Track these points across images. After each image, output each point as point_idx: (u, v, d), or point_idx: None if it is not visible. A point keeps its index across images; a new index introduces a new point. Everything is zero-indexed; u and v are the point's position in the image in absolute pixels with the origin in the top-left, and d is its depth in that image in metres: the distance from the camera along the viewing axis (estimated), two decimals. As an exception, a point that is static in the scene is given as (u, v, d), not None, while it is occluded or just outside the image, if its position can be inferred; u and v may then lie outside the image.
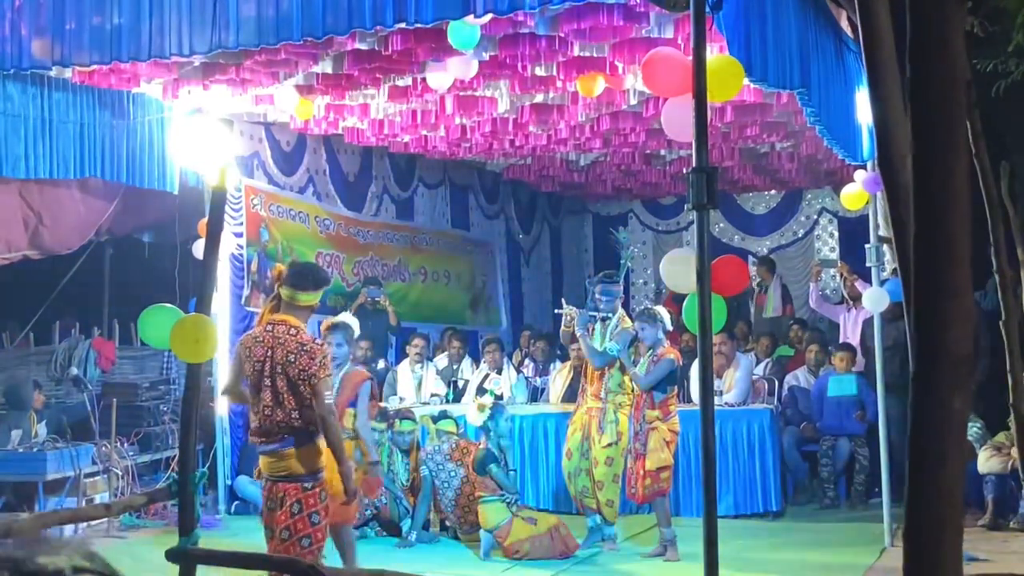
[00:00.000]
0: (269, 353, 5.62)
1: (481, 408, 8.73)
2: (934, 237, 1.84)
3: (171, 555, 4.18)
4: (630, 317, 8.83)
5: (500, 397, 10.32)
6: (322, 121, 10.49)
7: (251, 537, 8.55)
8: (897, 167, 2.55)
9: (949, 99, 1.84)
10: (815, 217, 15.99)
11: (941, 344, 1.84)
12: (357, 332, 7.97)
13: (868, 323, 10.14)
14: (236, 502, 10.27)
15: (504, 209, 15.43)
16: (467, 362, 11.53)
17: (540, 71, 9.02)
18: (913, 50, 1.85)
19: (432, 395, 10.95)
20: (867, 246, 8.72)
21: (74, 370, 10.73)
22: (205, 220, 5.58)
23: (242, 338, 5.98)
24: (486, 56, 8.54)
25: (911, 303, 2.00)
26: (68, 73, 8.61)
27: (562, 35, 8.06)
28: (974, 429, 9.39)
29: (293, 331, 5.65)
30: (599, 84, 8.86)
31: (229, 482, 10.38)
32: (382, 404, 10.31)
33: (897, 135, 2.61)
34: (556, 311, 9.07)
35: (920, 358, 1.88)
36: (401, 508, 9.19)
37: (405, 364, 11.33)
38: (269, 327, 5.71)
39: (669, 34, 7.93)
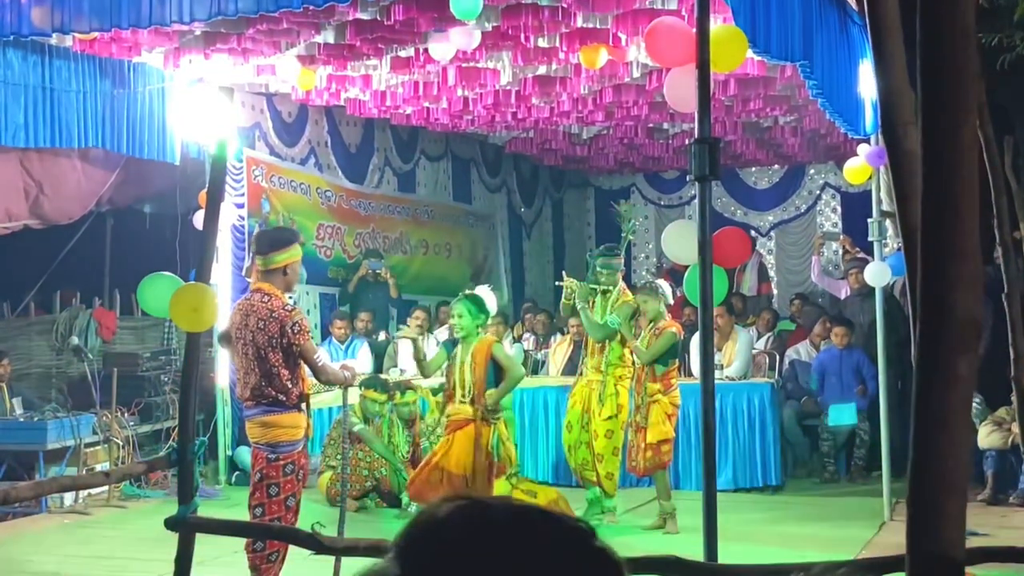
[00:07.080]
0: (244, 320, 5.80)
1: None
2: (942, 197, 1.82)
3: (170, 523, 4.19)
4: (631, 291, 8.81)
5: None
6: (324, 92, 10.44)
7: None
8: (901, 136, 2.52)
9: (959, 55, 1.82)
10: (818, 192, 15.93)
11: (947, 307, 1.81)
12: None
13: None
14: (236, 472, 10.27)
15: (506, 182, 15.38)
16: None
17: (543, 42, 8.96)
18: (924, 6, 1.83)
19: (433, 367, 10.92)
20: (869, 220, 8.70)
21: (75, 340, 10.71)
22: (206, 191, 5.62)
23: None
24: (488, 27, 8.48)
25: (916, 271, 1.97)
26: (69, 41, 8.57)
27: (565, 6, 8.00)
28: (974, 404, 9.38)
29: (266, 298, 5.79)
30: (602, 56, 8.80)
31: (229, 452, 10.40)
32: (383, 375, 10.32)
33: (901, 104, 2.58)
34: (557, 283, 9.06)
35: (926, 322, 1.86)
36: (401, 479, 9.20)
37: (406, 336, 11.29)
38: (248, 295, 5.93)
39: (673, 5, 7.87)
